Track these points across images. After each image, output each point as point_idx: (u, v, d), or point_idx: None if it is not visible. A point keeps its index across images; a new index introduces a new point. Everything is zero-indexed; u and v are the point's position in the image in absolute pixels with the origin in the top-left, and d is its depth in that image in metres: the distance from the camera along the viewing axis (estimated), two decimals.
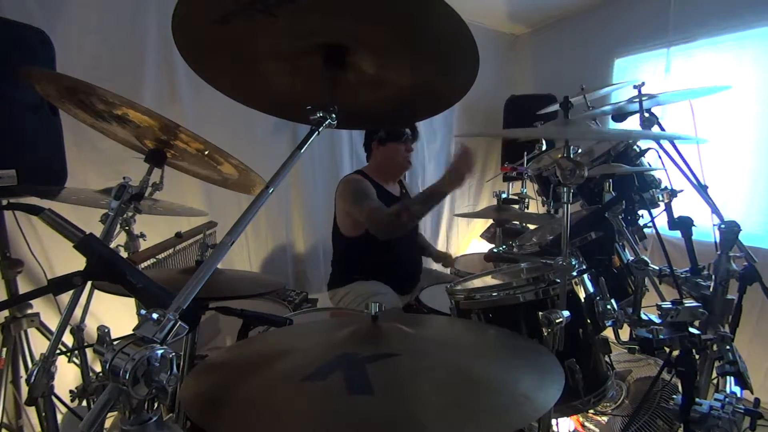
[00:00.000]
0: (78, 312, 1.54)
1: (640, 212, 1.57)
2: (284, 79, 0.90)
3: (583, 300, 1.06)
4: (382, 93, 0.94)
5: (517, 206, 2.35)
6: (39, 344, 1.55)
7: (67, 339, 1.39)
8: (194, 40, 0.80)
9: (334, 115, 0.80)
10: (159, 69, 2.15)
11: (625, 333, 1.09)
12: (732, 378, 1.09)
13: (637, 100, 1.53)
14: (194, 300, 0.57)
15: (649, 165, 1.72)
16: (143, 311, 0.54)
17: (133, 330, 0.53)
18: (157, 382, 0.49)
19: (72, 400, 1.27)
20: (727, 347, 1.11)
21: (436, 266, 3.30)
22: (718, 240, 1.23)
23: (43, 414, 1.27)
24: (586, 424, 1.53)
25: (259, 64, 0.86)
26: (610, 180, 1.59)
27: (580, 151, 0.99)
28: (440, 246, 3.58)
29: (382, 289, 2.02)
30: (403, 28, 0.76)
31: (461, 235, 3.74)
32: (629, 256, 1.35)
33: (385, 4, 0.72)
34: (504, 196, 2.21)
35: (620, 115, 1.87)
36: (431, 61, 0.84)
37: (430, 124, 3.34)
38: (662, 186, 1.64)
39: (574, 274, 1.05)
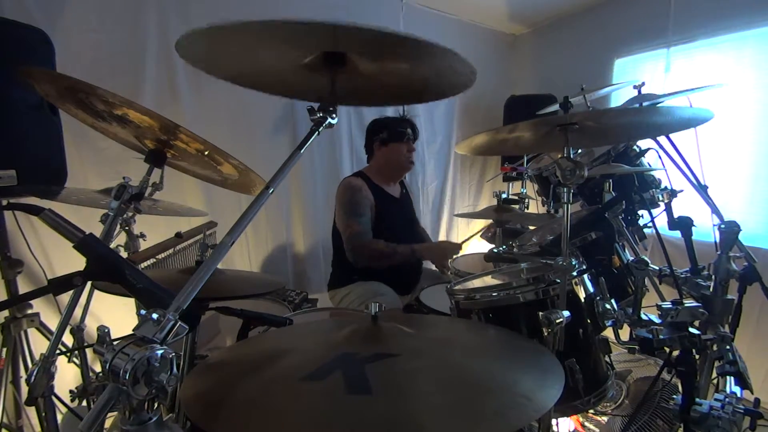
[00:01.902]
0: (78, 312, 1.54)
1: (640, 212, 1.57)
2: (283, 67, 0.89)
3: (583, 300, 1.06)
4: (384, 83, 0.93)
5: (517, 206, 2.35)
6: (39, 344, 1.55)
7: (67, 339, 1.39)
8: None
9: (334, 115, 0.80)
10: (159, 69, 2.15)
11: (625, 333, 1.09)
12: (732, 378, 1.09)
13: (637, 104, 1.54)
14: (194, 300, 0.57)
15: (649, 165, 1.72)
16: (143, 311, 0.54)
17: (133, 330, 0.53)
18: (157, 382, 0.49)
19: (72, 400, 1.27)
20: (727, 347, 1.11)
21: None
22: (718, 240, 1.23)
23: (43, 414, 1.27)
24: (586, 424, 1.53)
25: (257, 55, 0.86)
26: (610, 180, 1.59)
27: (580, 151, 0.99)
28: None
29: (382, 289, 2.02)
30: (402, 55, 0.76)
31: (461, 235, 3.74)
32: (629, 256, 1.35)
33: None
34: (504, 196, 2.21)
35: None
36: (428, 72, 0.84)
37: (430, 124, 3.34)
38: (662, 186, 1.64)
39: (574, 274, 1.05)
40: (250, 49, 0.79)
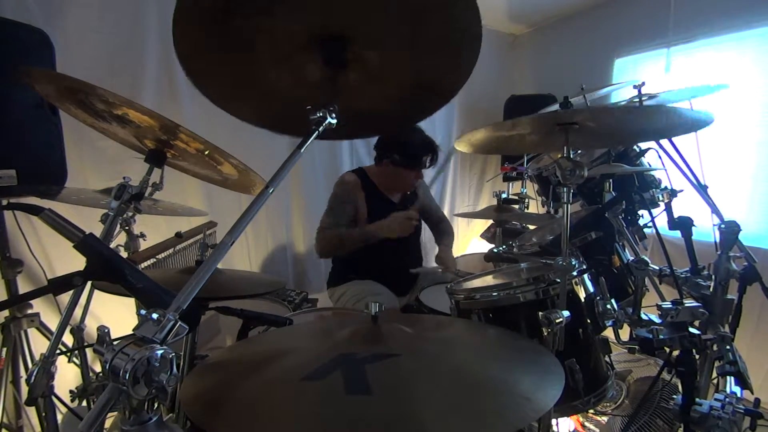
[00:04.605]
0: (78, 312, 1.54)
1: (640, 212, 1.57)
2: (285, 86, 0.90)
3: (583, 300, 1.06)
4: (383, 91, 0.93)
5: (517, 206, 2.35)
6: (39, 344, 1.55)
7: (67, 339, 1.39)
8: (195, 50, 0.80)
9: (334, 115, 0.80)
10: (159, 69, 2.15)
11: (625, 333, 1.09)
12: (732, 378, 1.09)
13: (637, 100, 1.54)
14: (194, 300, 0.57)
15: (649, 165, 1.72)
16: (143, 311, 0.54)
17: (133, 330, 0.53)
18: (157, 382, 0.49)
19: (72, 400, 1.27)
20: (727, 347, 1.11)
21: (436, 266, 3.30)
22: (718, 240, 1.23)
23: (43, 414, 1.27)
24: (586, 424, 1.53)
25: (259, 71, 0.86)
26: (610, 180, 1.59)
27: (580, 151, 0.99)
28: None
29: (377, 289, 2.00)
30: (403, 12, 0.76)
31: (461, 235, 3.73)
32: (629, 256, 1.35)
33: None
34: (504, 196, 2.21)
35: None
36: (431, 44, 0.83)
37: (430, 125, 3.34)
38: (662, 186, 1.64)
39: (574, 274, 1.05)
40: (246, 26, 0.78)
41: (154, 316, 0.53)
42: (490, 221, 2.19)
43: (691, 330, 0.99)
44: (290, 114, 0.94)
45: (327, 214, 2.04)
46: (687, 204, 1.47)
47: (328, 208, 2.05)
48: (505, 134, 1.20)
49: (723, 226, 1.22)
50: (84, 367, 1.44)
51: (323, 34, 0.80)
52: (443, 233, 2.37)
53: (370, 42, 0.82)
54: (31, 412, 1.63)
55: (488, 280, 1.29)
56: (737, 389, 1.07)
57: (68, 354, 1.40)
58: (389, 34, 0.80)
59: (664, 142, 1.43)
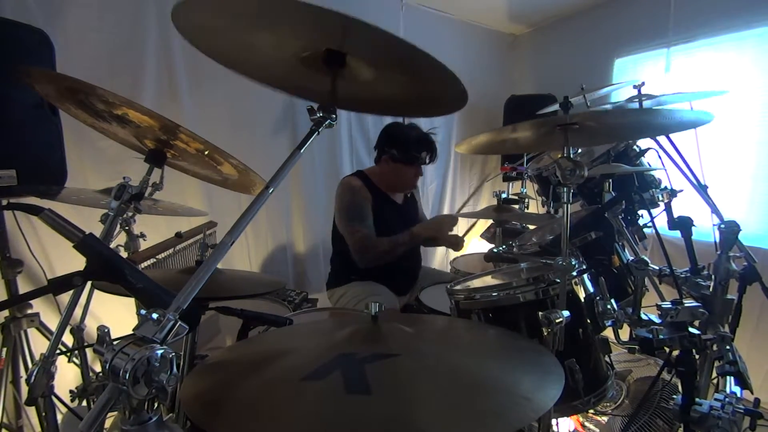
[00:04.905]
0: (78, 312, 1.54)
1: (640, 212, 1.57)
2: (282, 58, 0.89)
3: (583, 300, 1.06)
4: (380, 93, 0.94)
5: (517, 206, 2.35)
6: (39, 344, 1.55)
7: (67, 339, 1.39)
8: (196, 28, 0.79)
9: (334, 116, 0.80)
10: (159, 69, 2.15)
11: (625, 333, 1.09)
12: (732, 378, 1.09)
13: (636, 99, 1.54)
14: (194, 300, 0.57)
15: (649, 165, 1.72)
16: (143, 311, 0.54)
17: (133, 330, 0.53)
18: (157, 382, 0.49)
19: (72, 400, 1.27)
20: (727, 347, 1.11)
21: (436, 266, 3.30)
22: (718, 240, 1.23)
23: (43, 414, 1.27)
24: (586, 424, 1.53)
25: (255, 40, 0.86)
26: (610, 180, 1.59)
27: (580, 151, 0.99)
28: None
29: (378, 290, 2.00)
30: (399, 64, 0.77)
31: (461, 236, 3.73)
32: (629, 256, 1.35)
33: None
34: (504, 196, 2.21)
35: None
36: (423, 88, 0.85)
37: (430, 124, 3.33)
38: (662, 186, 1.65)
39: (574, 274, 1.05)
40: (249, 32, 0.78)
41: (154, 316, 0.53)
42: (490, 221, 2.19)
43: (691, 330, 0.99)
44: (285, 76, 0.93)
45: (357, 221, 1.96)
46: (687, 204, 1.47)
47: (354, 217, 1.98)
48: (506, 137, 1.21)
49: (723, 226, 1.22)
50: (84, 367, 1.44)
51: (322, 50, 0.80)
52: None
53: (367, 63, 0.82)
54: (31, 412, 1.63)
55: (488, 280, 1.29)
56: (737, 389, 1.07)
57: (68, 354, 1.40)
58: (389, 57, 0.81)
59: (664, 141, 1.43)
